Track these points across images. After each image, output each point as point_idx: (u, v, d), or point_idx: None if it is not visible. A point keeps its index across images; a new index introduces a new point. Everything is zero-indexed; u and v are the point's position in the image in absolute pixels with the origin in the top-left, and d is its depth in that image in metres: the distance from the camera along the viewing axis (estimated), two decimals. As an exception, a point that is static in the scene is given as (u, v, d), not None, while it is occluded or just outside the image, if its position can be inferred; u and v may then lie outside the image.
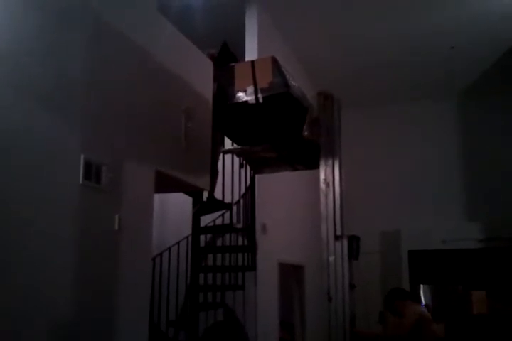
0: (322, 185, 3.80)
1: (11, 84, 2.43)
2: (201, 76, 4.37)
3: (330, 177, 3.79)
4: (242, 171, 5.28)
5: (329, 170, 3.81)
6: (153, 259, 4.52)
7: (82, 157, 2.82)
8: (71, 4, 2.90)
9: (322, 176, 3.80)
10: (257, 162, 4.23)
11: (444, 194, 8.33)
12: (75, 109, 2.86)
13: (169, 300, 5.06)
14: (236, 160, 5.25)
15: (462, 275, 7.73)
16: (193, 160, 4.13)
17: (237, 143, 3.86)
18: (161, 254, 4.99)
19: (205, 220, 5.19)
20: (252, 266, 5.35)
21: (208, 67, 4.50)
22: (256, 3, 6.03)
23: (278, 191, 6.26)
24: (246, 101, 3.57)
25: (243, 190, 5.31)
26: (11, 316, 2.32)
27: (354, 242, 3.83)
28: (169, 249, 5.08)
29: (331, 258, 3.70)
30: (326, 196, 3.79)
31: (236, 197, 5.24)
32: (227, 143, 4.68)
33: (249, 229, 5.34)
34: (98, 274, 2.94)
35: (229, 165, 5.22)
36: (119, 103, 3.26)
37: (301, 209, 7.03)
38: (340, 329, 3.70)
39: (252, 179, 5.38)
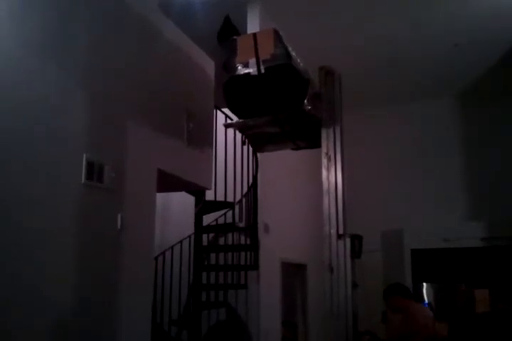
0: (324, 160, 3.76)
1: (11, 83, 2.44)
2: (203, 75, 4.37)
3: (332, 151, 3.75)
4: (245, 171, 5.29)
5: (331, 144, 3.76)
6: (156, 258, 4.52)
7: (84, 156, 2.82)
8: (71, 6, 2.91)
9: (324, 150, 3.77)
10: (258, 138, 4.18)
11: (446, 192, 8.30)
12: (78, 109, 2.86)
13: (172, 300, 5.06)
14: (238, 160, 5.25)
15: (465, 273, 7.71)
16: (195, 159, 4.13)
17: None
18: (163, 253, 4.99)
19: (208, 219, 5.20)
20: (255, 265, 5.35)
21: (209, 66, 4.51)
22: (258, 2, 6.02)
23: (280, 190, 6.26)
24: (248, 73, 3.56)
25: (245, 189, 5.31)
26: (11, 316, 2.32)
27: (356, 241, 3.80)
28: (172, 248, 5.08)
29: (333, 231, 3.67)
30: (328, 170, 3.75)
31: (238, 196, 5.24)
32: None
33: (251, 227, 5.34)
34: (100, 273, 2.94)
35: (231, 165, 5.23)
36: (120, 103, 3.26)
37: (303, 208, 7.03)
38: (343, 328, 3.68)
39: (255, 178, 5.38)
